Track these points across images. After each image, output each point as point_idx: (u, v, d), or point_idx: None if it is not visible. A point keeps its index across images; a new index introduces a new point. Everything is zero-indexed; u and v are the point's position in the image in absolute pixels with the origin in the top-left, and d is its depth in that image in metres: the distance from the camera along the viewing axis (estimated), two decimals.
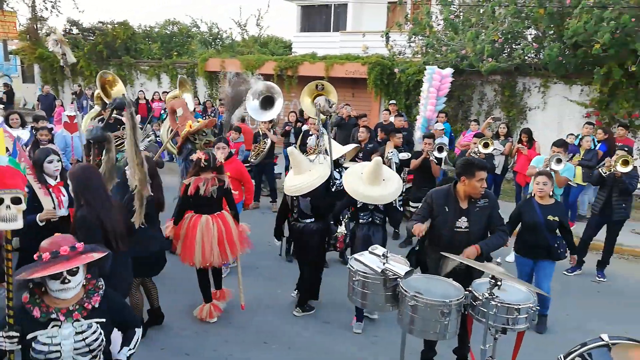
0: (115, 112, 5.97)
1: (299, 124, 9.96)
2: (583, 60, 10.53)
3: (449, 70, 10.52)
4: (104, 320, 2.37)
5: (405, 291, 3.20)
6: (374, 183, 4.39)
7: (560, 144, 6.09)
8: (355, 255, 3.59)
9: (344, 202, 4.82)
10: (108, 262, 2.46)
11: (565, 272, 6.39)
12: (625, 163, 5.83)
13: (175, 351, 4.29)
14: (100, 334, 2.35)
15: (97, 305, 2.36)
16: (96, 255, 2.30)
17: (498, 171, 8.82)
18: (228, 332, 4.63)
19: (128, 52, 19.43)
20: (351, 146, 6.34)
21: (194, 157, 4.62)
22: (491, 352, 3.27)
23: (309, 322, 4.92)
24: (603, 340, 2.52)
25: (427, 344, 4.00)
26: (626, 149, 6.50)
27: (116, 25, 19.73)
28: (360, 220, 4.70)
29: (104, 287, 2.43)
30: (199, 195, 4.41)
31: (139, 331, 2.60)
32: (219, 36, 22.67)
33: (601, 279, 6.27)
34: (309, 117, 8.85)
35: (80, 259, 2.24)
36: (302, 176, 4.65)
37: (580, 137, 8.33)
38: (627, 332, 4.53)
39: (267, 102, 6.64)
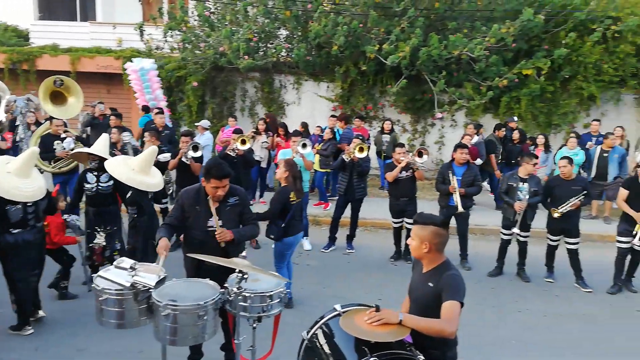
0: None
1: None
2: (327, 59, 11.87)
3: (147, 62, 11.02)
4: None
5: (158, 301, 3.03)
6: None
7: (297, 133, 6.96)
8: (100, 273, 3.24)
9: None
10: None
11: (322, 250, 7.14)
12: (362, 150, 6.80)
13: None
14: None
15: None
16: None
17: (264, 164, 9.32)
18: None
19: None
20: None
21: None
22: (251, 341, 3.39)
23: None
24: (336, 310, 2.85)
25: (193, 348, 3.92)
26: (361, 137, 7.57)
27: None
28: None
29: None
30: None
31: None
32: None
33: (350, 251, 7.22)
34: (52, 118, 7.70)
35: None
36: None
37: (326, 128, 9.36)
38: (381, 295, 5.34)
39: None
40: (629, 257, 6.02)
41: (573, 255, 6.19)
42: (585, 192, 6.01)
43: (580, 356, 4.61)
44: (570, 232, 6.14)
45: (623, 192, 5.95)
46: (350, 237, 7.29)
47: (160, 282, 3.11)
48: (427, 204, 9.36)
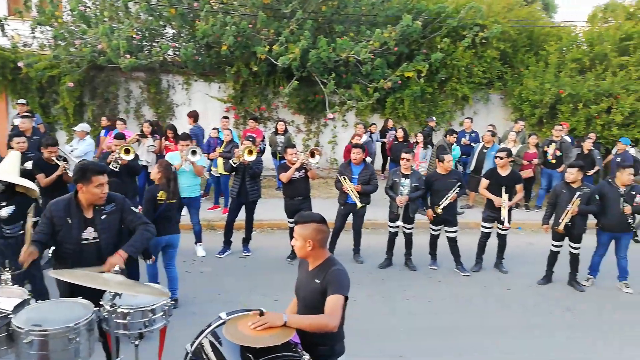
0: None
1: None
2: (217, 60, 11.60)
3: None
4: None
5: (19, 327, 2.70)
6: None
7: (184, 137, 6.69)
8: None
9: None
10: None
11: (217, 255, 6.96)
12: (250, 152, 6.73)
13: None
14: None
15: None
16: None
17: (152, 169, 8.82)
18: None
19: None
20: None
21: None
22: (134, 358, 3.17)
23: None
24: (222, 319, 2.77)
25: None
26: (251, 138, 7.45)
27: None
28: None
29: None
30: None
31: None
32: None
33: (247, 254, 7.13)
34: None
35: None
36: None
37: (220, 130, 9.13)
38: (279, 296, 5.29)
39: None
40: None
41: (452, 242, 6.73)
42: (460, 184, 6.57)
43: (459, 336, 5.01)
44: (449, 222, 6.67)
45: (484, 182, 6.63)
46: (246, 240, 7.20)
47: (21, 306, 2.78)
48: (322, 202, 9.61)
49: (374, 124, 11.72)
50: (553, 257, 6.45)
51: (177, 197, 5.40)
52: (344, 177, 6.71)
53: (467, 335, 5.03)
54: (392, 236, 6.87)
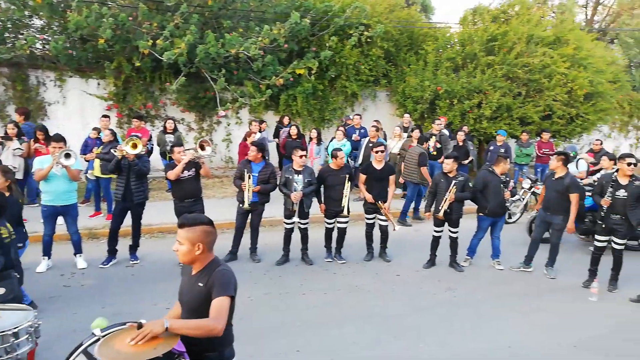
0: None
1: None
2: (94, 54, 10.72)
3: None
4: None
5: None
6: None
7: (57, 138, 6.10)
8: None
9: None
10: None
11: (100, 266, 6.44)
12: (135, 146, 6.29)
13: None
14: None
15: None
16: None
17: (20, 175, 7.94)
18: None
19: None
20: None
21: None
22: None
23: None
24: (96, 335, 2.54)
25: None
26: (135, 137, 6.98)
27: None
28: None
29: None
30: None
31: None
32: None
33: (135, 262, 6.69)
34: None
35: None
36: None
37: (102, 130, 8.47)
38: (171, 304, 5.00)
39: None
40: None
41: (341, 233, 6.96)
42: (350, 178, 6.79)
43: (353, 324, 5.18)
44: (342, 214, 6.87)
45: (362, 177, 6.94)
46: (133, 247, 6.75)
47: None
48: (218, 202, 9.37)
49: (264, 121, 11.63)
50: (435, 241, 6.95)
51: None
52: (248, 175, 6.57)
53: (361, 322, 5.22)
54: (288, 232, 6.90)
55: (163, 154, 9.86)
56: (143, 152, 6.64)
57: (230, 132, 12.43)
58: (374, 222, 7.09)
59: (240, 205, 6.77)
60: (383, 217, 6.97)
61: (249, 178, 6.56)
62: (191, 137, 12.06)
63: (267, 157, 10.41)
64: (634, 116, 19.37)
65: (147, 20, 10.25)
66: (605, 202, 6.07)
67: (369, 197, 6.84)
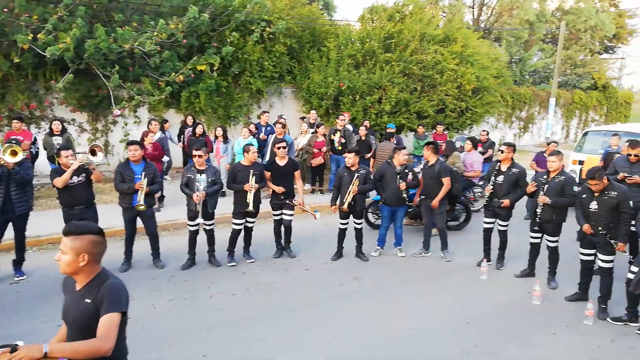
0: None
1: None
2: None
3: None
4: None
5: None
6: None
7: None
8: None
9: None
10: None
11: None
12: (14, 153, 5.70)
13: None
14: None
15: None
16: None
17: None
18: None
19: None
20: None
21: None
22: None
23: None
24: None
25: None
26: (14, 141, 6.33)
27: None
28: None
29: None
30: None
31: None
32: None
33: (20, 278, 6.08)
34: None
35: None
36: None
37: None
38: (59, 324, 4.61)
39: None
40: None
41: (248, 232, 6.90)
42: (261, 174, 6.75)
43: (264, 322, 5.16)
44: (252, 214, 6.79)
45: (266, 173, 6.95)
46: (17, 262, 6.13)
47: None
48: (115, 209, 8.78)
49: (166, 120, 11.21)
50: (342, 234, 7.15)
51: None
52: (142, 175, 6.23)
53: (271, 320, 5.21)
54: (193, 235, 6.68)
55: (51, 158, 9.05)
56: (25, 157, 6.04)
57: (129, 133, 11.73)
58: (281, 219, 7.11)
59: (128, 210, 6.37)
60: (289, 213, 7.01)
61: (145, 179, 6.23)
62: (84, 139, 11.22)
63: (168, 158, 10.05)
64: (516, 108, 21.45)
65: (25, 12, 9.31)
66: (488, 189, 6.64)
67: (279, 189, 6.80)
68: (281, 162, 6.95)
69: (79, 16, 9.60)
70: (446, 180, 6.97)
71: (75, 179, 5.89)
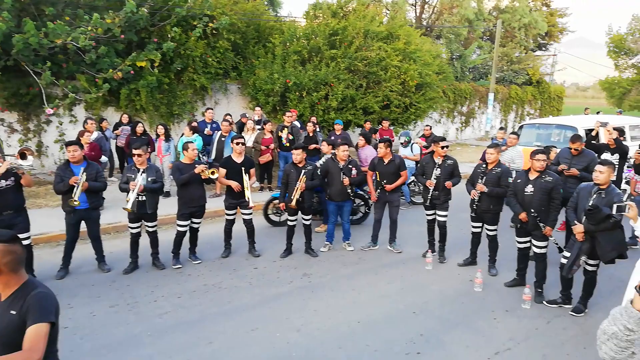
0: None
1: None
2: None
3: None
4: None
5: None
6: None
7: None
8: None
9: None
10: None
11: None
12: None
13: None
14: None
15: None
16: None
17: None
18: None
19: None
20: None
21: None
22: None
23: None
24: None
25: None
26: None
27: None
28: None
29: None
30: None
31: None
32: None
33: None
34: None
35: None
36: None
37: None
38: None
39: None
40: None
41: (194, 232, 6.75)
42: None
43: (210, 324, 5.05)
44: (197, 214, 6.62)
45: (222, 171, 6.83)
46: None
47: None
48: (51, 212, 8.35)
49: (104, 119, 10.73)
50: (290, 230, 7.12)
51: None
52: (83, 174, 5.91)
53: (218, 321, 5.11)
54: (135, 237, 6.43)
55: None
56: None
57: (64, 132, 11.15)
58: (234, 218, 6.97)
59: (71, 215, 6.06)
60: (247, 212, 6.90)
61: (83, 178, 5.92)
62: (15, 140, 10.55)
63: (107, 157, 9.63)
64: (457, 103, 22.21)
65: None
66: (429, 183, 6.79)
67: (236, 185, 6.69)
68: (238, 159, 6.83)
69: (5, 9, 8.98)
70: (404, 173, 7.16)
71: (3, 183, 5.51)
